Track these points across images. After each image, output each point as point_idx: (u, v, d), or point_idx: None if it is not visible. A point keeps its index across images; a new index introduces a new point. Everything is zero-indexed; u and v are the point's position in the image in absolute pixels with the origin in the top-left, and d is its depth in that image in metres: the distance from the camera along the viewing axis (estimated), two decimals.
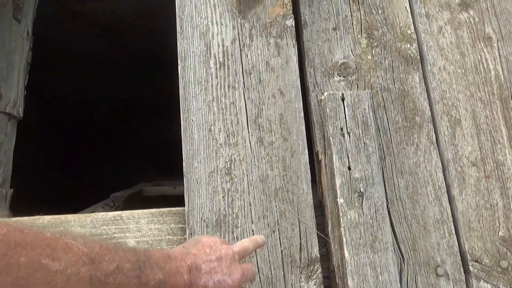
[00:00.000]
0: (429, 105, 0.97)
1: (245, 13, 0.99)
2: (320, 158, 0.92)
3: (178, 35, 0.96)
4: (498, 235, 0.88)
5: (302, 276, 0.82)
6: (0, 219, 0.37)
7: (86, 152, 3.54)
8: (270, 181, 0.87)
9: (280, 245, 0.84)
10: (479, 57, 1.01)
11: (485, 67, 1.00)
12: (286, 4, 1.00)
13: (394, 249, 0.83)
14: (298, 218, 0.85)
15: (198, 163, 0.88)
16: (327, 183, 0.89)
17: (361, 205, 0.83)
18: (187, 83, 0.93)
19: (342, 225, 0.82)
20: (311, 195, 0.87)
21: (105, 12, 2.54)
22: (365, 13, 1.04)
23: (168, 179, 2.52)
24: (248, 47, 0.96)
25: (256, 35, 0.97)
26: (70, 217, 0.86)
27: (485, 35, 1.03)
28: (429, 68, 0.99)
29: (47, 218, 0.85)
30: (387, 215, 0.84)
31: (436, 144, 0.94)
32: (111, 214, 0.88)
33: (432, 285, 0.84)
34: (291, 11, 1.00)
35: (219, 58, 0.95)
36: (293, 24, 0.99)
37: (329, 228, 0.87)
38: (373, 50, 1.01)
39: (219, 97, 0.92)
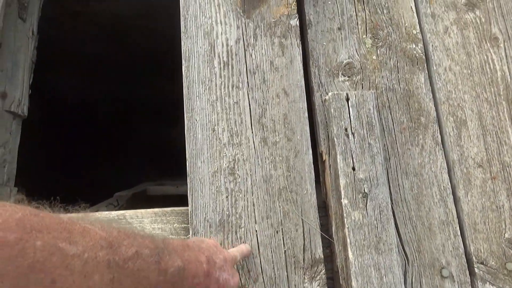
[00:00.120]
0: (434, 106, 0.96)
1: (249, 13, 0.98)
2: (324, 158, 0.92)
3: (182, 35, 0.96)
4: (504, 237, 0.87)
5: (306, 277, 0.82)
6: (15, 205, 0.37)
7: (86, 152, 3.56)
8: (273, 181, 0.87)
9: (284, 246, 0.83)
10: (486, 57, 1.00)
11: (492, 67, 0.99)
12: (290, 3, 1.00)
13: (398, 251, 0.83)
14: (301, 219, 0.85)
15: (201, 162, 0.87)
16: (331, 183, 0.88)
17: (366, 206, 0.82)
18: (191, 82, 0.93)
19: (346, 226, 0.81)
20: (315, 196, 0.87)
21: (105, 13, 2.55)
22: (370, 13, 1.03)
23: (170, 179, 2.52)
24: (252, 47, 0.96)
25: (261, 35, 0.97)
26: (73, 216, 0.86)
27: (491, 35, 1.02)
28: (435, 68, 0.99)
29: None
30: (392, 216, 0.83)
31: (441, 145, 0.93)
32: (114, 213, 0.88)
33: (437, 287, 0.84)
34: (295, 11, 0.99)
35: (223, 57, 0.94)
36: (298, 24, 0.98)
37: (333, 229, 0.86)
38: (378, 50, 1.00)
39: (223, 97, 0.92)
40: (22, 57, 1.18)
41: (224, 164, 0.87)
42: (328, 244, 0.88)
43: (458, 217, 0.89)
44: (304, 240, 0.84)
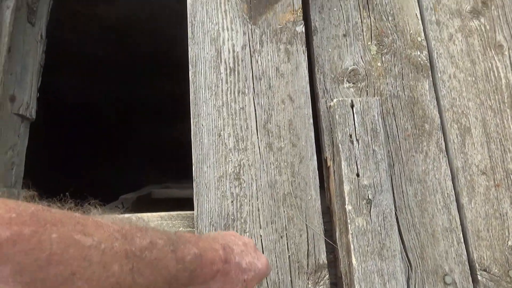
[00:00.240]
0: (438, 113, 0.97)
1: (255, 19, 0.99)
2: (328, 164, 0.93)
3: (189, 41, 0.97)
4: (507, 244, 0.88)
5: (309, 282, 0.82)
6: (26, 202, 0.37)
7: (86, 152, 3.57)
8: (278, 187, 0.88)
9: (288, 251, 0.84)
10: (490, 65, 1.01)
11: (496, 75, 1.00)
12: (296, 10, 1.01)
13: (402, 257, 0.83)
14: (306, 224, 0.86)
15: (207, 167, 0.88)
16: (336, 189, 0.89)
17: (369, 212, 0.83)
18: (198, 88, 0.94)
19: (350, 232, 0.82)
20: (319, 201, 0.88)
21: (106, 13, 2.57)
22: (375, 20, 1.04)
23: (175, 182, 2.54)
24: (258, 53, 0.97)
25: (267, 41, 0.98)
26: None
27: (496, 43, 1.02)
28: (439, 75, 0.99)
29: None
30: (395, 223, 0.84)
31: (445, 152, 0.94)
32: (120, 216, 0.89)
33: None
34: (301, 17, 1.00)
35: (229, 63, 0.96)
36: (303, 30, 0.99)
37: (337, 234, 0.87)
38: (383, 57, 1.01)
39: (229, 102, 0.93)
40: (30, 60, 1.19)
41: (229, 169, 0.88)
42: (332, 250, 0.88)
43: (462, 224, 0.89)
44: (308, 245, 0.85)
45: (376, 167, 0.86)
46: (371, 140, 0.88)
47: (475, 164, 0.93)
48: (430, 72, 1.00)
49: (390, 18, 1.04)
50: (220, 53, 0.96)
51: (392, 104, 0.97)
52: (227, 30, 0.98)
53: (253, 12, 1.00)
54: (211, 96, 0.93)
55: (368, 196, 0.84)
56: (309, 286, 0.82)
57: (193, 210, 0.87)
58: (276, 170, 0.89)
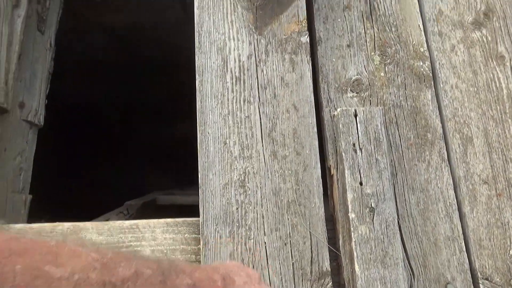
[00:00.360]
0: (441, 123, 0.98)
1: (261, 29, 1.01)
2: (332, 172, 0.94)
3: (196, 50, 0.99)
4: (509, 253, 0.89)
5: None
6: None
7: (86, 152, 3.59)
8: (282, 194, 0.89)
9: (292, 258, 0.85)
10: (492, 75, 1.02)
11: (498, 85, 1.01)
12: (301, 21, 1.03)
13: (404, 265, 0.84)
14: (309, 232, 0.87)
15: (213, 175, 0.90)
16: (339, 197, 0.90)
17: (372, 221, 0.84)
18: (204, 96, 0.96)
19: (353, 239, 0.83)
20: (323, 209, 0.89)
21: (107, 12, 2.61)
22: (378, 30, 1.06)
23: (180, 189, 2.56)
24: (263, 63, 0.99)
25: (272, 51, 1.00)
26: (88, 224, 0.89)
27: (497, 54, 1.04)
28: (441, 85, 1.01)
29: (67, 225, 0.88)
30: (398, 231, 0.85)
31: (447, 162, 0.95)
32: (127, 222, 0.90)
33: None
34: (306, 28, 1.02)
35: (235, 72, 0.97)
36: (308, 41, 1.01)
37: (340, 242, 0.88)
38: (386, 67, 1.03)
39: (235, 111, 0.94)
40: (39, 68, 1.22)
41: (235, 177, 0.90)
42: (335, 257, 0.89)
43: (464, 233, 0.90)
44: (311, 252, 0.86)
45: (379, 175, 0.87)
46: (374, 149, 0.89)
47: (477, 174, 0.94)
48: (432, 82, 1.02)
49: (393, 29, 1.06)
50: (226, 62, 0.98)
51: (395, 114, 0.99)
52: (233, 40, 1.00)
53: (259, 22, 1.02)
54: (217, 105, 0.95)
55: (371, 205, 0.85)
56: None
57: (199, 216, 0.88)
58: (281, 178, 0.90)
